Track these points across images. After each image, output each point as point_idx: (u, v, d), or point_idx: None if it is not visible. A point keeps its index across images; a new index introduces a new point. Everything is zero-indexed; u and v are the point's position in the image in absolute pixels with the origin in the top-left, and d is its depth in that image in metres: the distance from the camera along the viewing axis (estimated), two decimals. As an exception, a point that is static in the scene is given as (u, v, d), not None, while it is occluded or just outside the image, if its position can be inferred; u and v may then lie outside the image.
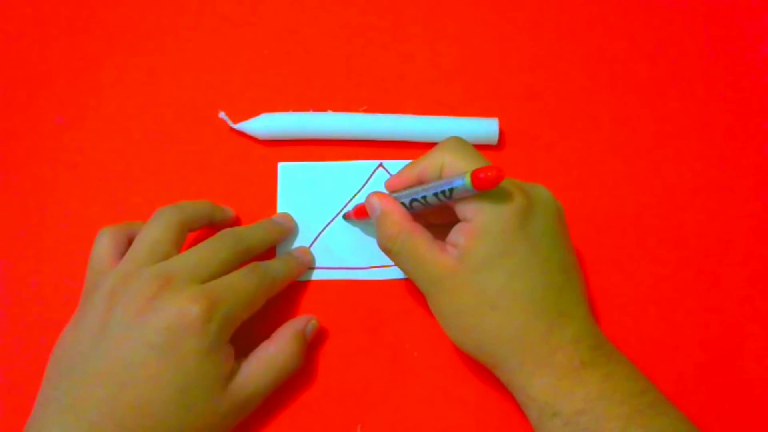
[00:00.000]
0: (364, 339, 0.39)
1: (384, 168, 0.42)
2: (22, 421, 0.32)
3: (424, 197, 0.34)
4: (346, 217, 0.41)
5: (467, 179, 0.31)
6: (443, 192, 0.32)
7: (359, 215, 0.39)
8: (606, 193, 0.42)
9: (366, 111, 0.44)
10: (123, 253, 0.35)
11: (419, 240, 0.34)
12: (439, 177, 0.34)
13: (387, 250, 0.35)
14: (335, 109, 0.43)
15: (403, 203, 0.35)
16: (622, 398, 0.31)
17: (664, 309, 0.39)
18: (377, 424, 0.37)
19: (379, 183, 0.42)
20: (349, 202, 0.42)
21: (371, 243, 0.41)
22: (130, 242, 0.36)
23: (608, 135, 0.43)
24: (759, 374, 0.38)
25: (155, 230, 0.35)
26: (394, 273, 0.40)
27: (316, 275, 0.40)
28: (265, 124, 0.43)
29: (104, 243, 0.36)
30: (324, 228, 0.41)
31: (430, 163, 0.34)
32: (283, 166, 0.43)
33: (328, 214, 0.42)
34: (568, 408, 0.31)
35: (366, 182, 0.42)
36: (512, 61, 0.45)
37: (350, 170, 0.43)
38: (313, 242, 0.41)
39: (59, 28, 0.47)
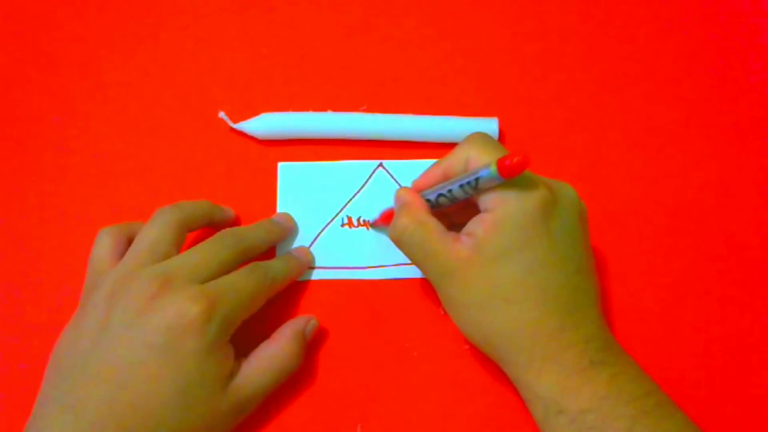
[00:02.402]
0: (364, 339, 0.39)
1: (384, 168, 0.42)
2: (22, 421, 0.32)
3: (450, 191, 0.34)
4: (373, 225, 0.41)
5: (493, 167, 0.31)
6: (469, 183, 0.32)
7: (386, 221, 0.39)
8: (606, 192, 0.42)
9: (366, 111, 0.44)
10: (123, 253, 0.35)
11: (431, 230, 0.34)
12: (465, 171, 0.34)
13: (397, 241, 0.35)
14: (335, 109, 0.43)
15: (429, 200, 0.35)
16: (629, 399, 0.31)
17: (666, 309, 0.39)
18: (377, 424, 0.37)
19: (379, 183, 0.42)
20: (349, 202, 0.42)
21: (371, 243, 0.41)
22: (130, 242, 0.36)
23: (608, 134, 0.43)
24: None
25: (155, 230, 0.35)
26: (394, 273, 0.40)
27: (316, 275, 0.40)
28: (265, 124, 0.43)
29: (104, 243, 0.36)
30: (324, 228, 0.41)
31: (455, 158, 0.34)
32: (283, 166, 0.43)
33: (328, 214, 0.42)
34: (574, 406, 0.31)
35: (366, 182, 0.42)
36: (512, 61, 0.45)
37: (350, 170, 0.43)
38: (313, 242, 0.41)
39: (59, 28, 0.47)
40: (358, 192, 0.42)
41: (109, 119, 0.45)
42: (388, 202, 0.41)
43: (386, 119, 0.43)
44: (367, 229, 0.41)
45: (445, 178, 0.35)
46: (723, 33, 0.46)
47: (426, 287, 0.40)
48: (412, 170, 0.42)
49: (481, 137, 0.34)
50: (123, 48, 0.46)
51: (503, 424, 0.37)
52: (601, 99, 0.44)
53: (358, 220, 0.41)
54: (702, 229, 0.41)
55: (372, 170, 0.42)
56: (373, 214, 0.41)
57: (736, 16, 0.46)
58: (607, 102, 0.44)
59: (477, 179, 0.32)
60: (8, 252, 0.42)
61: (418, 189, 0.36)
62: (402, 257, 0.40)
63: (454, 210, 0.36)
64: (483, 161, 0.32)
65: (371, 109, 0.44)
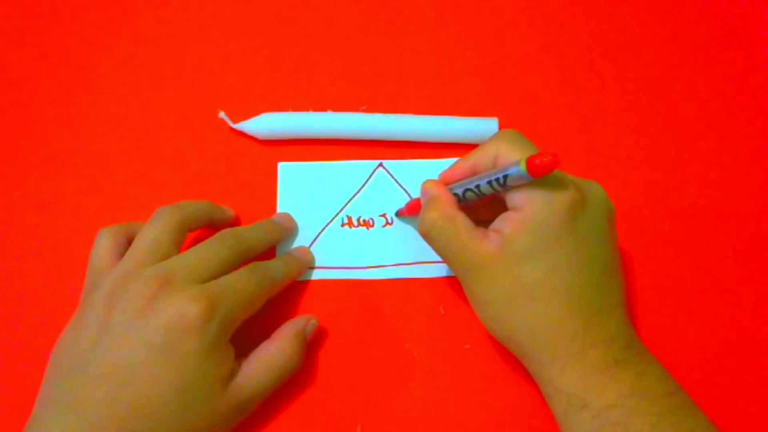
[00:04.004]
0: (364, 339, 0.39)
1: (384, 168, 0.42)
2: (22, 421, 0.32)
3: (477, 186, 0.34)
4: (398, 214, 0.41)
5: (522, 166, 0.30)
6: (497, 180, 0.32)
7: (411, 212, 0.39)
8: (606, 191, 0.42)
9: (366, 111, 0.44)
10: (123, 253, 0.35)
11: (460, 225, 0.34)
12: (493, 167, 0.34)
13: (425, 234, 0.35)
14: (335, 109, 0.43)
15: (455, 194, 0.35)
16: (653, 397, 0.31)
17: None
18: (377, 424, 0.37)
19: (379, 183, 0.42)
20: (349, 202, 0.42)
21: (371, 243, 0.41)
22: (130, 242, 0.36)
23: (608, 134, 0.43)
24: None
25: (155, 230, 0.35)
26: (394, 273, 0.40)
27: (316, 275, 0.40)
28: (265, 124, 0.43)
29: (104, 243, 0.36)
30: (324, 228, 0.41)
31: (483, 153, 0.34)
32: (283, 166, 0.43)
33: (328, 214, 0.42)
34: (598, 402, 0.31)
35: (366, 182, 0.42)
36: (512, 61, 0.45)
37: (350, 170, 0.43)
38: (313, 242, 0.41)
39: (59, 28, 0.47)
40: (358, 192, 0.42)
41: (109, 119, 0.45)
42: (388, 202, 0.42)
43: (386, 119, 0.43)
44: (368, 229, 0.41)
45: (473, 172, 0.35)
46: (726, 29, 0.46)
47: (426, 287, 0.40)
48: (412, 170, 0.42)
49: (512, 134, 0.34)
50: (123, 48, 0.46)
51: (503, 423, 0.37)
52: (601, 98, 0.44)
53: (358, 220, 0.41)
54: (710, 227, 0.41)
55: (372, 170, 0.43)
56: (373, 214, 0.41)
57: (740, 20, 0.46)
58: (607, 101, 0.44)
59: (505, 177, 0.32)
60: (8, 252, 0.42)
61: (445, 182, 0.36)
62: (402, 257, 0.40)
63: (480, 205, 0.36)
64: (512, 158, 0.32)
65: (371, 109, 0.44)
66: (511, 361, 0.36)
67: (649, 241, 0.41)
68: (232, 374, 0.34)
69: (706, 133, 0.43)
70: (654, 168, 0.42)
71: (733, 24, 0.46)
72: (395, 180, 0.42)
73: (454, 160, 0.41)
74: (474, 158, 0.35)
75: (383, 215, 0.41)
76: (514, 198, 0.32)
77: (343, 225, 0.41)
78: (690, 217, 0.41)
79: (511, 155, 0.33)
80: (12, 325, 0.40)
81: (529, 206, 0.32)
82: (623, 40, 0.46)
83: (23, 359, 0.39)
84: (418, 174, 0.42)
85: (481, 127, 0.42)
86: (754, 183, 0.42)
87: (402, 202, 0.41)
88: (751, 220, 0.41)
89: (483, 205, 0.36)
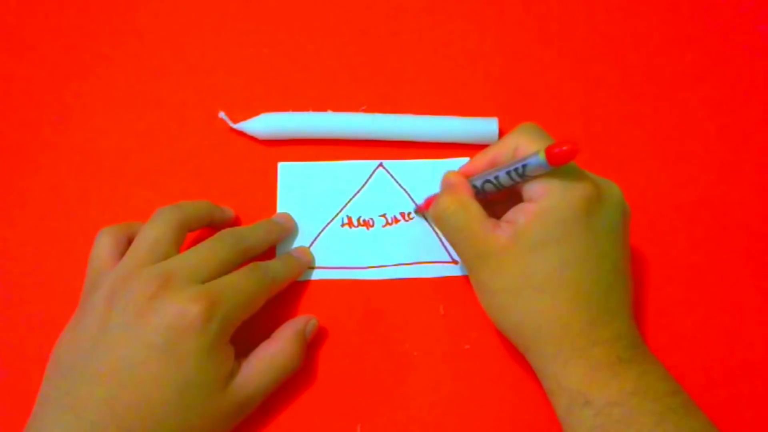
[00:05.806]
0: (364, 339, 0.39)
1: (384, 168, 0.42)
2: (22, 421, 0.32)
3: (496, 177, 0.34)
4: (418, 210, 0.41)
5: (541, 155, 0.31)
6: (516, 170, 0.32)
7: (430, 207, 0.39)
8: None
9: (366, 111, 0.44)
10: (123, 253, 0.35)
11: (473, 212, 0.34)
12: (513, 159, 0.34)
13: (437, 218, 0.35)
14: (335, 109, 0.43)
15: (475, 186, 0.35)
16: (656, 396, 0.31)
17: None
18: (377, 424, 0.37)
19: (379, 183, 0.42)
20: (349, 202, 0.42)
21: (371, 243, 0.41)
22: (130, 242, 0.36)
23: (608, 133, 0.43)
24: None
25: (155, 230, 0.35)
26: (394, 273, 0.40)
27: (316, 275, 0.40)
28: (265, 124, 0.43)
29: (104, 243, 0.36)
30: (324, 228, 0.41)
31: (503, 146, 0.34)
32: (283, 166, 0.43)
33: (328, 214, 0.42)
34: (601, 399, 0.31)
35: (366, 182, 0.42)
36: (512, 61, 0.45)
37: (350, 170, 0.43)
38: (313, 242, 0.41)
39: (59, 28, 0.47)
40: (358, 192, 0.42)
41: (108, 119, 0.45)
42: (388, 202, 0.42)
43: (386, 119, 0.43)
44: (368, 229, 0.41)
45: (492, 165, 0.35)
46: (731, 27, 0.46)
47: (426, 287, 0.40)
48: (412, 170, 0.42)
49: (532, 127, 0.35)
50: (123, 48, 0.46)
51: (503, 423, 0.37)
52: (602, 98, 0.44)
53: (358, 220, 0.41)
54: (711, 229, 0.41)
55: (372, 170, 0.43)
56: (373, 214, 0.41)
57: (741, 21, 0.46)
58: (608, 101, 0.44)
59: (524, 166, 0.32)
60: (8, 252, 0.42)
61: (465, 175, 0.36)
62: (402, 257, 0.40)
63: (498, 199, 0.36)
64: (531, 150, 0.32)
65: (371, 109, 0.44)
66: (512, 362, 0.36)
67: (653, 242, 0.41)
68: (232, 374, 0.34)
69: (710, 133, 0.43)
70: (657, 168, 0.42)
71: (739, 22, 0.46)
72: (395, 180, 0.42)
73: (454, 160, 0.42)
74: (493, 151, 0.35)
75: (383, 215, 0.41)
76: (530, 189, 0.33)
77: (343, 225, 0.41)
78: (696, 217, 0.41)
79: (531, 146, 0.33)
80: (12, 325, 0.40)
81: (545, 198, 0.32)
82: (624, 39, 0.46)
83: (23, 359, 0.39)
84: (418, 174, 0.42)
85: (481, 127, 0.42)
86: (763, 183, 0.42)
87: (402, 202, 0.42)
88: (761, 221, 0.41)
89: (502, 203, 0.36)
